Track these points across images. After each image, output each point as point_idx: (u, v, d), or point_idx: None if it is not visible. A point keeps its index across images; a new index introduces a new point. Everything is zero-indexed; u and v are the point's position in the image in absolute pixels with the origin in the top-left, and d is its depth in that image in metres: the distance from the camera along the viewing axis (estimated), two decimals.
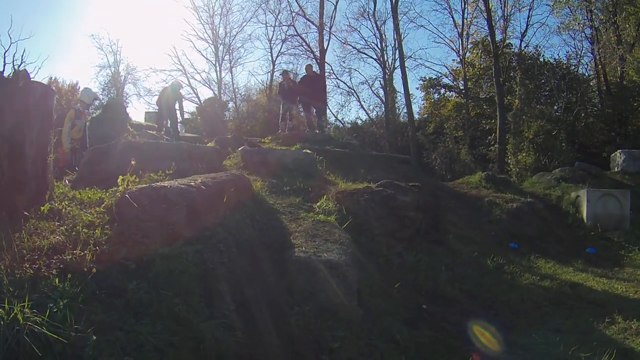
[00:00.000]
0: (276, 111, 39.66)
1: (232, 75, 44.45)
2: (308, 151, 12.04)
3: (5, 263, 3.91)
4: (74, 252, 4.29)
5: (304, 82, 18.86)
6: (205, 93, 43.78)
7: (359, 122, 41.06)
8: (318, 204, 8.10)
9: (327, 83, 30.76)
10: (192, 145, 9.29)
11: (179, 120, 18.31)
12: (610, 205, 14.30)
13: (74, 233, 4.63)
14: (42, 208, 5.11)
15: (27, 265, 3.98)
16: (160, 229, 4.88)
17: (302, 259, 5.42)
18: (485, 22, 32.22)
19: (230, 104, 43.76)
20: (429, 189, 11.09)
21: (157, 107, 18.40)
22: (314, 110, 19.18)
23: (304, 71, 20.45)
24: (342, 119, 42.67)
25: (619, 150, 20.00)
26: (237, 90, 44.43)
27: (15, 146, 5.18)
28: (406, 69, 34.28)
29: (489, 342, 5.77)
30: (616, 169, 19.17)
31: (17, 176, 5.17)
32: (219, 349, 3.95)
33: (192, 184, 5.66)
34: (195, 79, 44.03)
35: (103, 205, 5.29)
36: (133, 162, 5.86)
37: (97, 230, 4.65)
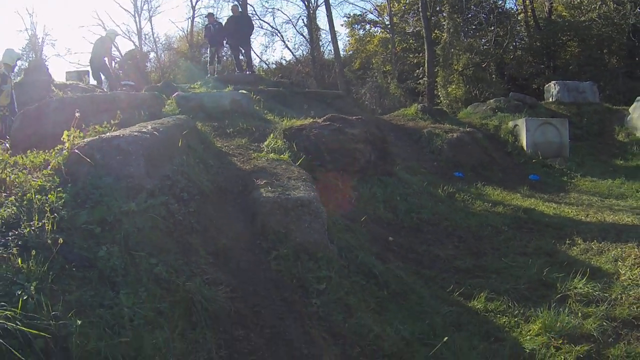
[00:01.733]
0: (198, 57, 38.85)
1: (151, 25, 43.06)
2: (244, 92, 11.67)
3: None
4: (31, 223, 3.70)
5: (230, 23, 18.20)
6: (127, 45, 41.65)
7: (284, 62, 40.45)
8: (266, 143, 7.88)
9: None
10: (130, 94, 8.76)
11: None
12: (549, 133, 14.67)
13: (25, 202, 4.06)
14: None
15: None
16: (118, 184, 4.43)
17: (272, 199, 5.21)
18: None
19: (152, 54, 42.19)
20: (371, 121, 10.90)
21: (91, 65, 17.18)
22: (242, 51, 18.71)
23: (231, 13, 19.69)
24: (267, 60, 41.93)
25: (553, 82, 20.48)
26: (157, 39, 42.99)
27: None
28: (330, 6, 33.71)
29: None
30: (551, 99, 19.63)
31: None
32: (210, 309, 3.64)
33: (145, 130, 5.19)
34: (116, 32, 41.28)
35: (50, 166, 4.74)
36: (77, 114, 5.32)
37: (50, 195, 4.10)
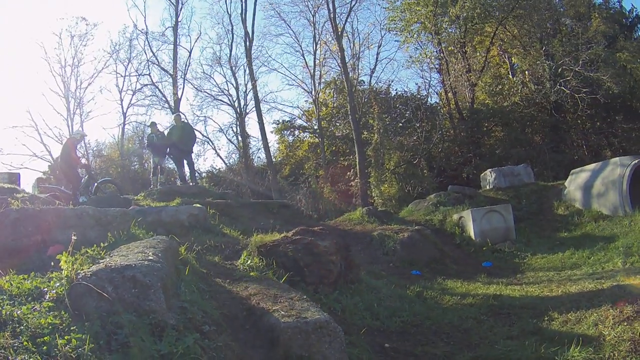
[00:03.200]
0: (128, 165, 38.50)
1: (82, 130, 42.32)
2: (199, 205, 11.62)
3: None
4: None
5: (173, 133, 18.21)
6: (59, 150, 40.79)
7: (214, 170, 40.43)
8: (240, 260, 7.91)
9: None
10: (99, 210, 8.45)
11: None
12: (494, 220, 15.25)
13: (44, 347, 3.51)
14: None
15: None
16: (141, 321, 4.08)
17: (293, 324, 5.16)
18: (335, 61, 33.47)
19: (82, 160, 41.27)
20: (333, 230, 11.02)
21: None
22: (185, 162, 18.67)
23: (170, 121, 19.77)
24: (198, 168, 41.98)
25: (488, 170, 21.48)
26: (88, 145, 42.19)
27: None
28: (262, 112, 34.51)
29: None
30: (488, 187, 20.45)
31: None
32: None
33: (152, 258, 5.01)
34: (48, 135, 41.63)
35: (47, 297, 4.31)
36: (74, 237, 4.77)
37: (72, 339, 3.59)
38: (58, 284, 4.48)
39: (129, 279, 4.38)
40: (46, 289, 4.55)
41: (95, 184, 16.34)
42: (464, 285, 10.62)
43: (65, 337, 3.61)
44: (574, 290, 8.60)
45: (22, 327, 3.75)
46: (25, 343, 3.52)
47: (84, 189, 15.44)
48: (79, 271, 4.50)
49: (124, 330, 3.90)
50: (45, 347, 3.51)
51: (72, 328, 3.81)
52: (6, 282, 4.74)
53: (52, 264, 4.94)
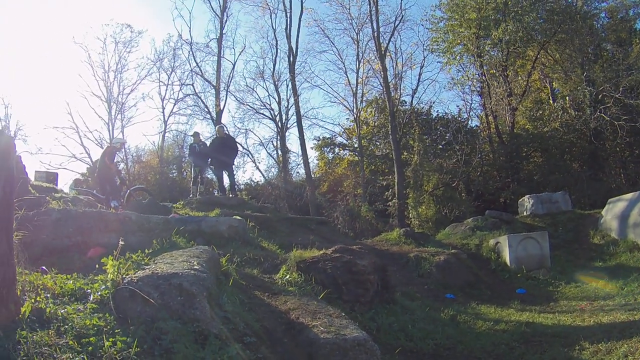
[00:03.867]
0: (167, 173, 38.90)
1: (123, 136, 43.01)
2: (239, 217, 11.71)
3: None
4: None
5: (215, 144, 18.47)
6: (98, 153, 41.49)
7: (253, 183, 40.80)
8: (279, 275, 8.00)
9: None
10: (141, 216, 8.59)
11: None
12: (530, 247, 15.13)
13: (90, 347, 3.54)
14: (23, 309, 3.80)
15: None
16: (185, 328, 4.18)
17: (332, 340, 5.27)
18: (377, 80, 33.65)
19: (122, 165, 42.05)
20: (370, 250, 11.08)
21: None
22: (226, 173, 18.87)
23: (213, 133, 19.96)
24: (237, 180, 42.25)
25: (527, 196, 21.26)
26: (128, 151, 42.55)
27: None
28: (303, 128, 34.82)
29: None
30: (525, 213, 20.27)
31: None
32: None
33: (197, 267, 5.14)
34: (88, 138, 41.58)
35: (92, 298, 4.40)
36: (121, 242, 4.96)
37: (118, 342, 3.67)
38: (103, 287, 4.59)
39: (176, 286, 4.51)
40: (89, 290, 4.67)
41: (128, 191, 16.56)
42: (497, 311, 10.61)
43: (111, 339, 3.67)
44: (606, 320, 8.59)
45: (66, 327, 3.80)
46: (70, 342, 3.56)
47: (116, 194, 15.67)
48: (124, 276, 4.64)
49: (168, 337, 4.00)
50: (90, 348, 3.56)
51: (116, 331, 3.88)
52: (50, 280, 4.77)
53: (97, 266, 5.10)
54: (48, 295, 4.43)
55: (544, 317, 9.74)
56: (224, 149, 18.00)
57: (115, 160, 17.19)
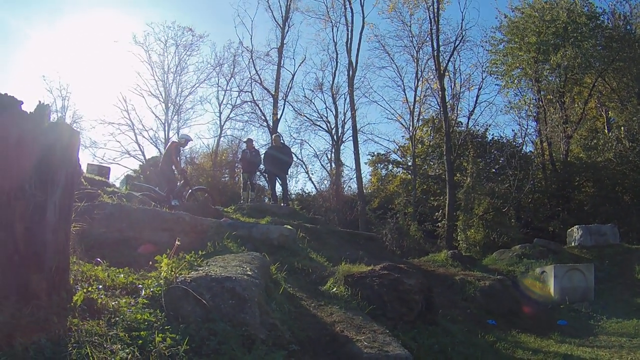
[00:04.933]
0: (219, 177, 39.28)
1: (178, 137, 43.46)
2: (290, 227, 11.91)
3: None
4: None
5: (270, 152, 18.81)
6: (152, 152, 42.12)
7: (304, 194, 40.86)
8: (326, 287, 8.18)
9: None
10: (195, 217, 8.80)
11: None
12: (575, 278, 15.00)
13: (139, 341, 3.66)
14: (75, 298, 3.95)
15: None
16: (234, 331, 4.33)
17: (374, 355, 5.41)
18: (435, 99, 33.56)
19: (182, 165, 42.44)
20: (418, 270, 11.17)
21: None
22: (279, 182, 19.10)
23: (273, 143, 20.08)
24: (290, 190, 42.46)
25: (576, 227, 20.83)
26: (182, 152, 42.73)
27: (36, 208, 3.80)
28: (358, 143, 34.90)
29: None
30: (573, 244, 19.93)
31: (34, 248, 3.78)
32: None
33: (250, 273, 5.34)
34: (143, 136, 41.96)
35: (144, 294, 4.55)
36: (178, 242, 5.13)
37: (167, 338, 3.81)
38: (156, 284, 4.77)
39: (228, 290, 4.73)
40: (141, 285, 4.85)
41: (190, 190, 16.83)
42: (537, 340, 10.62)
43: (161, 335, 3.81)
44: None
45: (117, 319, 3.97)
46: (121, 334, 3.72)
47: (178, 193, 15.91)
48: (178, 275, 4.83)
49: (217, 338, 4.16)
50: (140, 342, 3.71)
51: (166, 327, 4.03)
52: (102, 272, 4.97)
53: (150, 263, 5.30)
54: (100, 286, 4.59)
55: (582, 350, 9.73)
56: (280, 158, 18.24)
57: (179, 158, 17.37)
